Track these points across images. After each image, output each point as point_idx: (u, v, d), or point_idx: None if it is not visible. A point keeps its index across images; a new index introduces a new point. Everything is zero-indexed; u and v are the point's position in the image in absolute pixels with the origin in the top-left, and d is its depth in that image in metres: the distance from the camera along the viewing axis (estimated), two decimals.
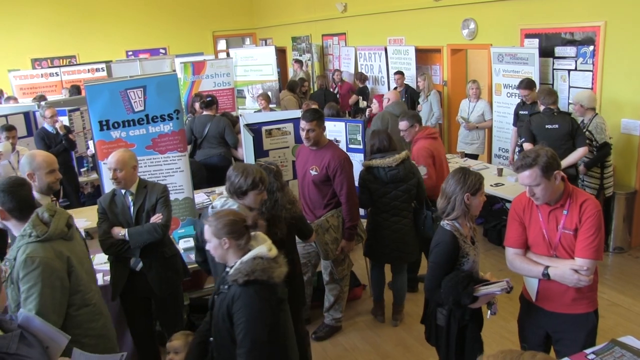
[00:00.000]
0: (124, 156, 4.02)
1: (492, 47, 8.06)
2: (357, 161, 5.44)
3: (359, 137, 5.65)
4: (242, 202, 3.50)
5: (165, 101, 5.14)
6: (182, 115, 5.34)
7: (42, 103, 8.30)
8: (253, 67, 11.31)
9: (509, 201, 6.37)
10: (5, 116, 7.89)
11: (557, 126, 5.91)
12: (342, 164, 4.67)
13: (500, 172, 6.71)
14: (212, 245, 2.93)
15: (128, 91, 5.06)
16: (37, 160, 3.73)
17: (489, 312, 3.26)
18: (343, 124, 5.77)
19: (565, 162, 5.64)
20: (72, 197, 7.60)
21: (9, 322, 2.38)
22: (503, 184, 6.39)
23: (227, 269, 2.94)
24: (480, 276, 3.31)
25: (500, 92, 7.92)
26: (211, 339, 3.08)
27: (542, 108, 6.15)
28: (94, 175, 8.09)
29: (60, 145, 7.41)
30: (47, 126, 7.58)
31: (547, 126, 5.96)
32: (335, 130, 5.74)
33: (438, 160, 5.42)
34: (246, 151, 5.51)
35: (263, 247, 2.90)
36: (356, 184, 4.89)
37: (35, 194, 3.74)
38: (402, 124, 5.48)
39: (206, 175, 6.89)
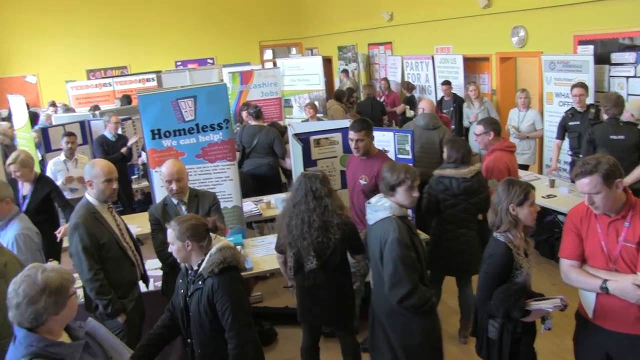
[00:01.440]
0: (181, 166, 4.10)
1: (543, 54, 7.90)
2: None
3: (408, 147, 5.60)
4: (393, 199, 3.50)
5: (215, 111, 5.21)
6: (231, 125, 5.40)
7: (97, 112, 8.53)
8: (300, 76, 11.39)
9: (562, 213, 6.21)
10: (63, 125, 8.14)
11: (622, 137, 5.62)
12: None
13: (552, 184, 6.53)
14: (175, 247, 3.14)
15: (179, 101, 5.15)
16: (96, 168, 3.82)
17: (542, 326, 3.17)
18: (392, 133, 5.74)
19: (629, 179, 5.31)
20: (126, 204, 7.78)
21: (77, 330, 2.49)
22: (555, 196, 6.21)
23: (190, 271, 3.19)
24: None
25: (552, 101, 7.75)
26: (189, 340, 3.23)
27: (605, 117, 5.88)
28: (144, 183, 8.26)
29: (118, 153, 7.60)
30: (108, 133, 7.81)
31: (611, 137, 5.67)
32: (383, 140, 5.71)
33: (513, 176, 5.20)
34: (295, 161, 5.53)
35: (222, 241, 3.17)
36: None
37: (94, 201, 3.85)
38: (477, 129, 5.31)
39: (254, 184, 6.94)
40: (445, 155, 4.83)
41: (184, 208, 4.15)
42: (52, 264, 4.49)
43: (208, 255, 3.07)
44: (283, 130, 7.67)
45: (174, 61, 17.00)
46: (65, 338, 2.47)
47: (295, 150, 5.43)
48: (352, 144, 4.75)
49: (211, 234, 3.19)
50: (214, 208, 4.18)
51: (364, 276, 5.11)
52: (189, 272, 3.20)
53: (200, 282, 3.08)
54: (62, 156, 6.93)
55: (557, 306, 2.97)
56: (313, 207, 3.77)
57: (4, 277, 3.44)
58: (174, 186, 4.04)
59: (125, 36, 16.58)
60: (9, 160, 5.56)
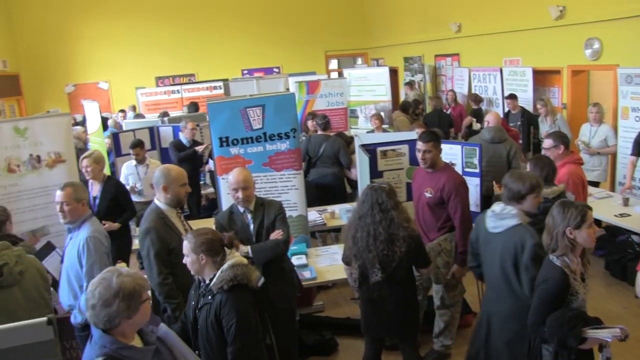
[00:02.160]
0: (248, 175, 4.15)
1: (619, 67, 7.62)
2: (473, 185, 5.30)
3: (475, 161, 5.50)
4: (520, 206, 3.55)
5: (282, 120, 5.27)
6: (298, 134, 5.45)
7: (165, 119, 8.77)
8: (366, 87, 11.39)
9: (636, 233, 5.97)
10: (133, 130, 8.42)
11: None
12: (457, 187, 4.57)
13: (626, 202, 6.28)
14: (189, 260, 3.15)
15: (247, 109, 5.24)
16: (172, 174, 3.92)
17: (600, 355, 3.00)
18: (459, 146, 5.65)
19: None
20: (194, 209, 7.94)
21: (149, 334, 2.55)
22: (629, 215, 5.96)
23: (203, 283, 3.18)
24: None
25: (628, 116, 7.45)
26: (197, 352, 3.19)
27: None
28: (210, 189, 8.42)
29: (190, 149, 7.80)
30: (183, 138, 8.01)
31: None
32: (451, 153, 5.63)
33: (585, 189, 5.08)
34: (361, 172, 5.52)
35: (237, 256, 3.17)
36: (473, 208, 4.75)
37: (163, 206, 3.95)
38: (546, 142, 5.18)
39: (319, 194, 6.97)
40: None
41: (249, 216, 4.20)
42: (120, 265, 4.65)
43: (220, 271, 3.07)
44: (349, 141, 7.68)
45: (240, 69, 17.32)
46: (137, 342, 2.53)
47: (362, 161, 5.43)
48: (419, 155, 4.70)
49: (227, 249, 3.20)
50: (280, 217, 4.20)
51: (427, 289, 5.06)
52: (202, 284, 3.21)
53: (210, 297, 3.09)
54: (133, 161, 7.12)
55: (616, 336, 2.83)
56: (379, 219, 3.77)
57: (18, 285, 3.56)
58: (240, 194, 4.09)
59: (193, 45, 17.04)
60: (84, 155, 5.74)
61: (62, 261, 4.22)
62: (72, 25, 16.54)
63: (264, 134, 5.27)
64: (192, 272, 3.22)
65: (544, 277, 3.12)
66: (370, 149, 5.35)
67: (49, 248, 4.26)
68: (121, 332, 2.43)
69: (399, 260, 3.76)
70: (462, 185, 4.63)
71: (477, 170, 5.50)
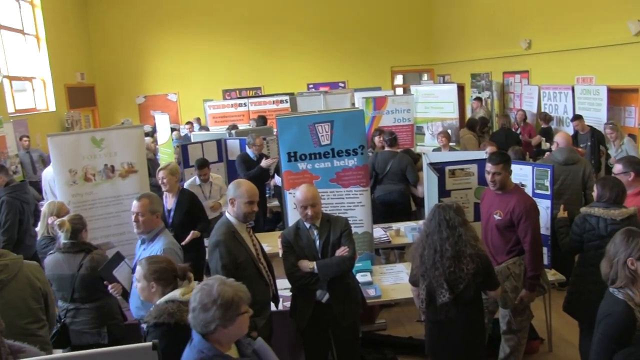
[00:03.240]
0: (316, 192, 4.16)
1: None
2: (544, 208, 5.14)
3: (547, 183, 5.34)
4: None
5: (351, 136, 5.28)
6: (366, 151, 5.43)
7: (233, 132, 8.91)
8: (433, 104, 11.27)
9: None
10: (201, 142, 8.59)
11: None
12: (527, 210, 4.45)
13: None
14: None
15: (316, 125, 5.27)
16: (241, 189, 3.96)
17: None
18: (530, 167, 5.50)
19: None
20: (260, 222, 8.02)
21: (245, 346, 2.65)
22: None
23: None
24: None
25: None
26: None
27: None
28: (274, 203, 8.49)
29: (257, 168, 7.86)
30: (250, 152, 8.11)
31: None
32: (521, 173, 5.48)
33: None
34: (429, 190, 5.45)
35: (177, 291, 3.04)
36: (543, 231, 4.60)
37: (233, 220, 3.99)
38: (616, 168, 4.98)
39: (384, 210, 6.93)
40: (595, 193, 4.52)
41: (315, 232, 4.20)
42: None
43: (154, 306, 3.01)
44: (416, 158, 7.61)
45: (305, 83, 17.48)
46: (233, 352, 2.60)
47: (430, 179, 5.36)
48: (488, 177, 4.61)
49: (181, 281, 3.13)
50: (346, 234, 4.19)
51: (493, 313, 4.93)
52: None
53: (144, 325, 3.09)
54: (197, 179, 7.15)
55: None
56: (446, 236, 3.72)
57: None
58: (309, 212, 4.10)
59: (260, 58, 17.33)
60: (160, 167, 5.91)
61: (132, 271, 4.33)
62: (144, 39, 17.14)
63: (332, 149, 5.28)
64: (142, 298, 3.22)
65: (606, 311, 2.98)
66: (438, 168, 5.28)
67: (118, 259, 4.36)
68: (217, 340, 2.52)
69: (466, 281, 3.68)
70: (533, 208, 4.51)
71: (549, 193, 5.34)
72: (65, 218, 4.39)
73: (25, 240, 6.30)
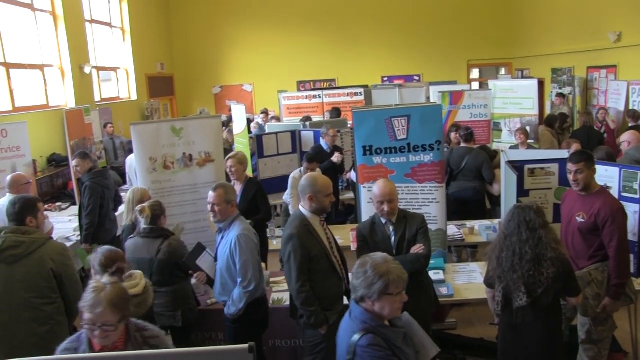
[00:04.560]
0: (393, 187, 4.11)
1: None
2: (632, 212, 4.88)
3: (636, 186, 5.06)
4: None
5: (427, 131, 5.19)
6: (442, 146, 5.33)
7: (307, 123, 8.95)
8: (512, 99, 10.89)
9: None
10: (276, 133, 8.68)
11: None
12: (614, 213, 4.23)
13: None
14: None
15: (393, 119, 5.21)
16: (319, 184, 3.97)
17: None
18: (617, 169, 5.24)
19: None
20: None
21: (396, 319, 2.85)
22: None
23: None
24: None
25: None
26: None
27: None
28: (348, 195, 8.46)
29: (328, 161, 7.84)
30: (324, 144, 8.11)
31: None
32: (606, 175, 5.23)
33: None
34: (507, 189, 5.30)
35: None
36: (630, 237, 4.38)
37: (307, 214, 4.01)
38: None
39: (458, 207, 6.80)
40: None
41: (391, 228, 4.16)
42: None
43: None
44: (493, 155, 7.42)
45: (380, 76, 17.35)
46: None
47: (508, 178, 5.20)
48: (570, 177, 4.43)
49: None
50: (422, 231, 4.14)
51: (570, 320, 4.74)
52: None
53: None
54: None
55: None
56: (526, 238, 3.60)
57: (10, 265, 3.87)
58: (385, 207, 4.06)
59: (335, 50, 17.33)
60: (229, 156, 6.03)
61: (215, 260, 4.46)
62: (222, 31, 17.49)
63: (408, 144, 5.21)
64: None
65: None
66: (517, 166, 5.11)
67: (200, 249, 4.50)
68: (378, 314, 2.72)
69: (546, 285, 3.55)
70: (620, 212, 4.28)
71: (637, 196, 5.07)
72: (146, 204, 4.53)
73: (106, 224, 6.54)
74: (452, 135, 7.86)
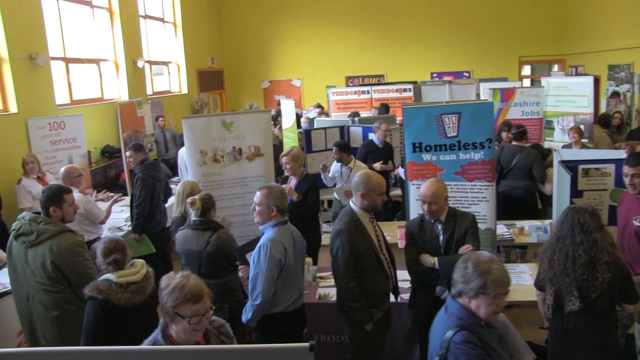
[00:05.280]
0: (439, 189, 4.04)
1: None
2: None
3: None
4: None
5: (478, 129, 5.10)
6: (493, 144, 5.24)
7: (356, 119, 8.93)
8: (566, 97, 10.59)
9: None
10: (324, 129, 8.69)
11: None
12: None
13: None
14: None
15: (443, 116, 5.15)
16: (373, 181, 3.96)
17: None
18: None
19: None
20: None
21: (494, 321, 2.80)
22: None
23: None
24: None
25: None
26: None
27: None
28: (396, 192, 8.41)
29: (382, 165, 7.77)
30: (375, 138, 8.08)
31: None
32: None
33: None
34: (559, 189, 5.17)
35: (110, 274, 3.47)
36: None
37: (358, 210, 4.00)
38: None
39: (507, 206, 6.67)
40: None
41: (440, 227, 4.12)
42: (308, 261, 4.79)
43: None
44: (545, 153, 7.25)
45: (429, 72, 17.15)
46: None
47: (561, 178, 5.07)
48: (627, 180, 4.33)
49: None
50: (471, 231, 4.07)
51: (627, 327, 4.59)
52: None
53: None
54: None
55: None
56: (580, 240, 3.51)
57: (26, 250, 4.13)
58: (426, 207, 4.04)
59: (384, 46, 17.21)
60: (283, 153, 6.06)
61: None
62: (271, 25, 17.59)
63: (459, 142, 5.14)
64: None
65: None
66: (571, 166, 4.99)
67: (253, 244, 4.25)
68: (473, 311, 2.71)
69: (600, 290, 3.45)
70: None
71: None
72: (197, 197, 4.61)
73: (156, 215, 6.65)
74: (504, 134, 7.71)
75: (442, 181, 4.19)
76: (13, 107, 7.83)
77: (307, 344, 1.65)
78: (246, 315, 4.03)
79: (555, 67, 17.43)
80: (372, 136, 8.12)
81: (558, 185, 5.24)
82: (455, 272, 2.78)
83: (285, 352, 1.65)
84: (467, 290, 2.69)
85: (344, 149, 7.12)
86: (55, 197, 4.26)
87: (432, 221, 4.13)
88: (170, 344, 2.58)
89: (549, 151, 7.38)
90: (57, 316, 4.13)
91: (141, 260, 3.76)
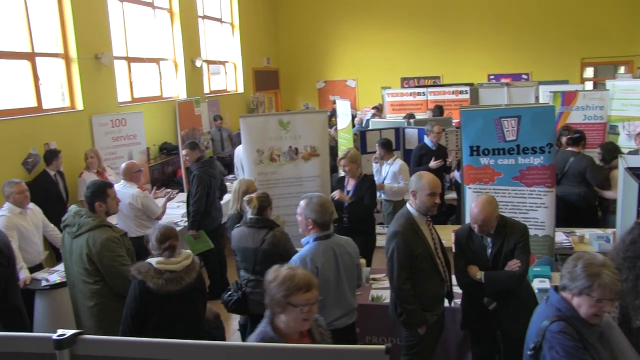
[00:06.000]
0: (490, 212, 3.89)
1: None
2: None
3: None
4: None
5: (539, 133, 4.99)
6: (554, 149, 5.11)
7: (411, 120, 8.86)
8: (633, 101, 10.19)
9: None
10: (379, 130, 8.66)
11: None
12: None
13: None
14: None
15: (502, 120, 5.06)
16: (423, 181, 3.92)
17: None
18: None
19: None
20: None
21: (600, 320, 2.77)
22: None
23: None
24: None
25: None
26: None
27: None
28: (450, 195, 8.30)
29: (437, 162, 7.72)
30: (428, 141, 7.97)
31: None
32: None
33: None
34: (624, 198, 5.00)
35: (154, 259, 3.68)
36: None
37: (414, 212, 3.96)
38: None
39: (561, 213, 6.47)
40: None
41: (489, 240, 4.00)
42: (362, 261, 4.78)
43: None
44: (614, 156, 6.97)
45: (486, 74, 16.84)
46: None
47: (627, 186, 4.90)
48: None
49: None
50: (521, 245, 3.93)
51: None
52: None
53: None
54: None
55: None
56: None
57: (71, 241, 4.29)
58: (476, 228, 3.94)
59: (440, 47, 16.98)
60: (341, 155, 6.04)
61: None
62: (327, 26, 17.63)
63: (517, 146, 5.03)
64: None
65: None
66: (638, 174, 4.81)
67: None
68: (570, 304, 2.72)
69: None
70: None
71: None
72: (254, 195, 4.66)
73: (211, 212, 6.75)
74: (564, 139, 7.49)
75: (493, 201, 4.01)
76: (79, 104, 8.14)
77: (382, 347, 1.65)
78: None
79: (622, 69, 16.80)
80: (426, 139, 8.03)
81: (623, 193, 5.07)
82: (564, 266, 2.76)
83: (361, 353, 1.65)
84: (571, 287, 2.68)
85: (387, 147, 7.31)
86: (99, 192, 4.38)
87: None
88: (279, 334, 2.68)
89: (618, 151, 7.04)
90: (92, 306, 4.27)
91: (189, 251, 3.86)
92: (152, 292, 3.59)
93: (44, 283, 5.25)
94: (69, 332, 1.71)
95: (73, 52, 8.01)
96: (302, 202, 3.94)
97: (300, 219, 3.95)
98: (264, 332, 2.71)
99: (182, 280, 3.65)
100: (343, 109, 9.34)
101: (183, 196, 7.61)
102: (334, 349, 1.84)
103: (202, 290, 4.02)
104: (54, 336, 1.70)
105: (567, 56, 16.47)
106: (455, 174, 7.68)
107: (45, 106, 7.64)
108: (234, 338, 5.61)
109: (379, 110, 12.81)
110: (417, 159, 7.81)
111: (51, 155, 7.04)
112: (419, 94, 12.78)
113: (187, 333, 3.52)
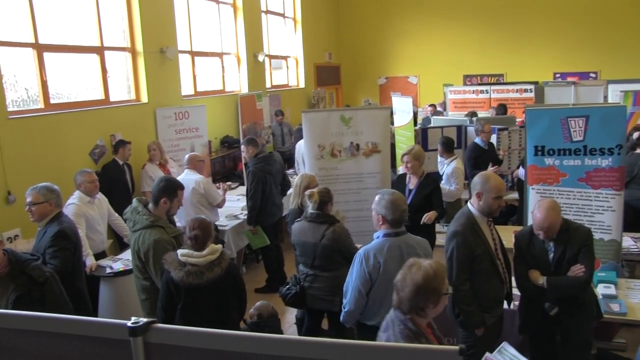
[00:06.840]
0: (555, 220, 3.81)
1: None
2: None
3: None
4: None
5: (608, 134, 4.85)
6: (624, 151, 4.94)
7: (474, 119, 8.72)
8: None
9: None
10: (441, 127, 8.57)
11: None
12: None
13: None
14: None
15: (569, 119, 4.94)
16: (490, 184, 3.86)
17: None
18: None
19: None
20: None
21: None
22: None
23: None
24: None
25: None
26: None
27: None
28: (512, 195, 8.13)
29: (494, 168, 7.52)
30: (479, 141, 7.87)
31: None
32: None
33: None
34: None
35: (184, 250, 3.79)
36: None
37: (475, 212, 3.92)
38: None
39: (629, 217, 6.25)
40: None
41: (551, 245, 3.92)
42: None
43: None
44: None
45: (552, 72, 16.35)
46: None
47: None
48: None
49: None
50: (585, 250, 3.83)
51: None
52: None
53: None
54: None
55: None
56: None
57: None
58: (541, 235, 3.86)
59: (504, 45, 16.58)
60: (404, 151, 5.96)
61: None
62: (389, 21, 17.50)
63: (584, 147, 4.90)
64: None
65: None
66: None
67: None
68: None
69: None
70: None
71: None
72: (315, 190, 4.70)
73: (268, 207, 6.77)
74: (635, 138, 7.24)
75: (557, 206, 3.90)
76: (144, 97, 8.38)
77: (456, 347, 1.63)
78: (342, 315, 4.05)
79: None
80: (476, 138, 7.89)
81: None
82: None
83: (434, 353, 1.64)
84: None
85: (446, 146, 7.26)
86: (171, 189, 4.36)
87: None
88: (421, 330, 2.71)
89: None
90: (144, 300, 4.39)
91: (218, 246, 3.90)
92: (175, 281, 3.73)
93: (108, 270, 5.45)
94: (142, 320, 1.76)
95: (139, 46, 8.26)
96: (376, 197, 3.91)
97: (373, 213, 3.93)
98: (409, 329, 2.68)
99: (203, 275, 3.70)
100: (402, 105, 9.27)
101: (243, 189, 7.73)
102: (410, 347, 1.82)
103: (231, 285, 3.96)
104: (129, 323, 1.75)
105: (638, 53, 15.81)
106: (520, 172, 7.52)
107: (112, 98, 7.90)
108: (290, 332, 5.66)
109: (435, 108, 12.68)
110: (472, 161, 7.69)
111: (120, 145, 7.27)
112: (481, 91, 12.57)
113: (213, 324, 3.50)
